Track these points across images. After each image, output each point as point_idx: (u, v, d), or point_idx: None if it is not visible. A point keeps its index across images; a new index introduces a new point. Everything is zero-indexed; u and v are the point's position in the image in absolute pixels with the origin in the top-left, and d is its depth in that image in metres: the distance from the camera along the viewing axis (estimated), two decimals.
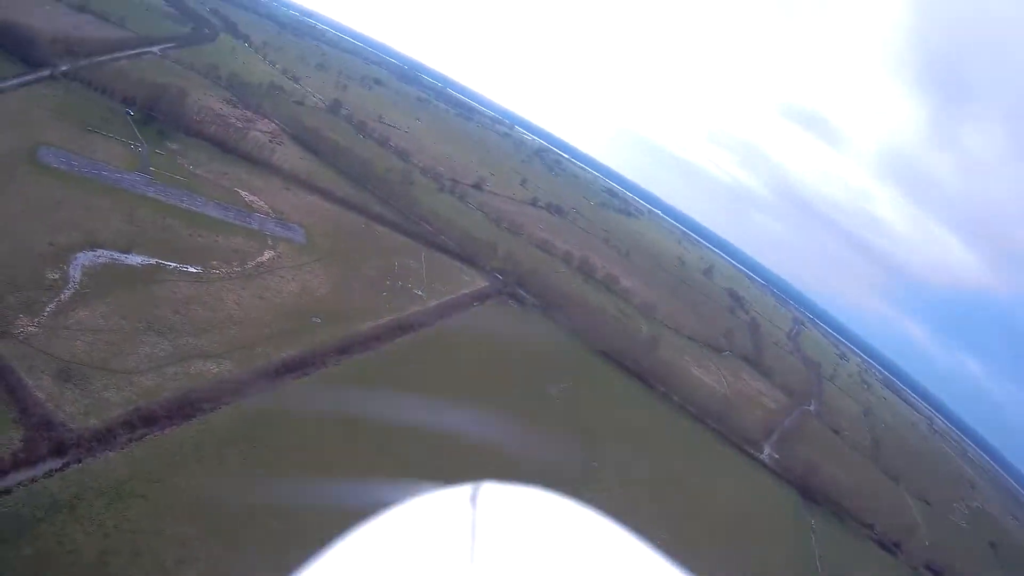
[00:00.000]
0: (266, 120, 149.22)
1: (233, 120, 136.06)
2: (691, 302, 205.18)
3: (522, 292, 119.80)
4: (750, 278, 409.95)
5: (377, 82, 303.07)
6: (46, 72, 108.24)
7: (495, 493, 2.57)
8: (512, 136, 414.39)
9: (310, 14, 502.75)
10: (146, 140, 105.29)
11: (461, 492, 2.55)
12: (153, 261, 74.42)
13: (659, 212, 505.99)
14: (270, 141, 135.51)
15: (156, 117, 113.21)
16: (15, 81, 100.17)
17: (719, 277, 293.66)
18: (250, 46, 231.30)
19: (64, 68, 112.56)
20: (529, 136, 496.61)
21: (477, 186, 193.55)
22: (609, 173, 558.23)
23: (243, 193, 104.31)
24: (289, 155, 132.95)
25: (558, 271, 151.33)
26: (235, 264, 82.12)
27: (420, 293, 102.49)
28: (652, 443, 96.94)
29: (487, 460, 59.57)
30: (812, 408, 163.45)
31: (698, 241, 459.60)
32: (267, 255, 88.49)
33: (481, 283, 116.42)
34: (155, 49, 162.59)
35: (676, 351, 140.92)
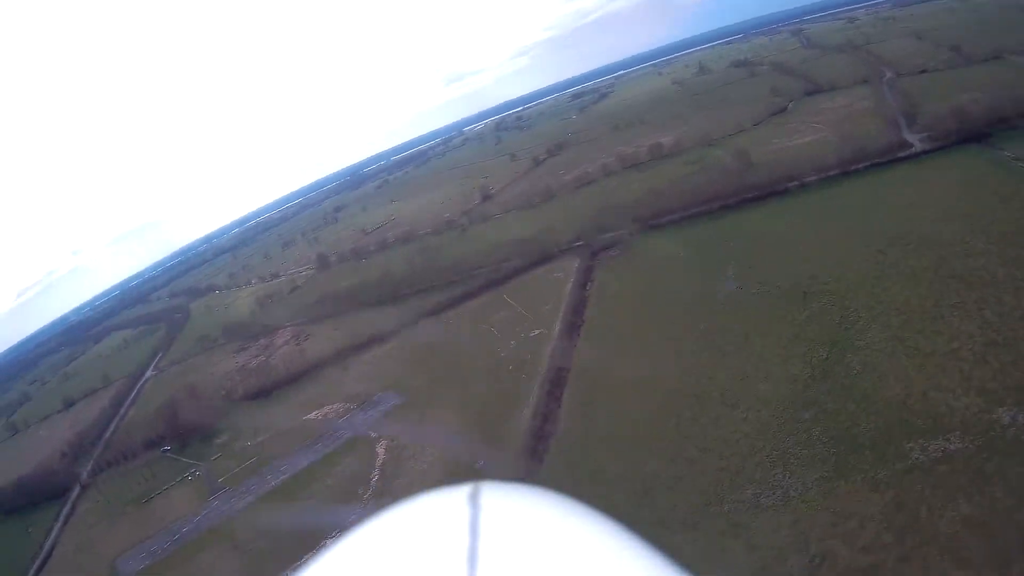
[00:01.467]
0: (280, 331, 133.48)
1: (254, 361, 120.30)
2: (721, 100, 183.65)
3: (610, 236, 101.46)
4: (729, 43, 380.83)
5: (337, 209, 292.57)
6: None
7: (495, 493, 2.52)
8: (468, 137, 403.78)
9: (247, 219, 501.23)
10: (199, 458, 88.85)
11: (461, 492, 2.50)
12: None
13: (621, 71, 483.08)
14: (298, 343, 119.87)
15: (190, 432, 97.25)
16: None
17: (713, 63, 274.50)
18: (219, 291, 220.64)
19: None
20: (480, 125, 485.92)
21: (486, 197, 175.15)
22: (557, 86, 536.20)
23: (313, 415, 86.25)
24: (321, 338, 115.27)
25: (612, 188, 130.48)
26: (362, 492, 62.60)
27: (537, 332, 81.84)
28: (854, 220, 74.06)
29: None
30: (889, 74, 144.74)
31: (669, 59, 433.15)
32: (380, 451, 68.94)
33: (571, 265, 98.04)
34: (149, 372, 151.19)
35: (761, 144, 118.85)
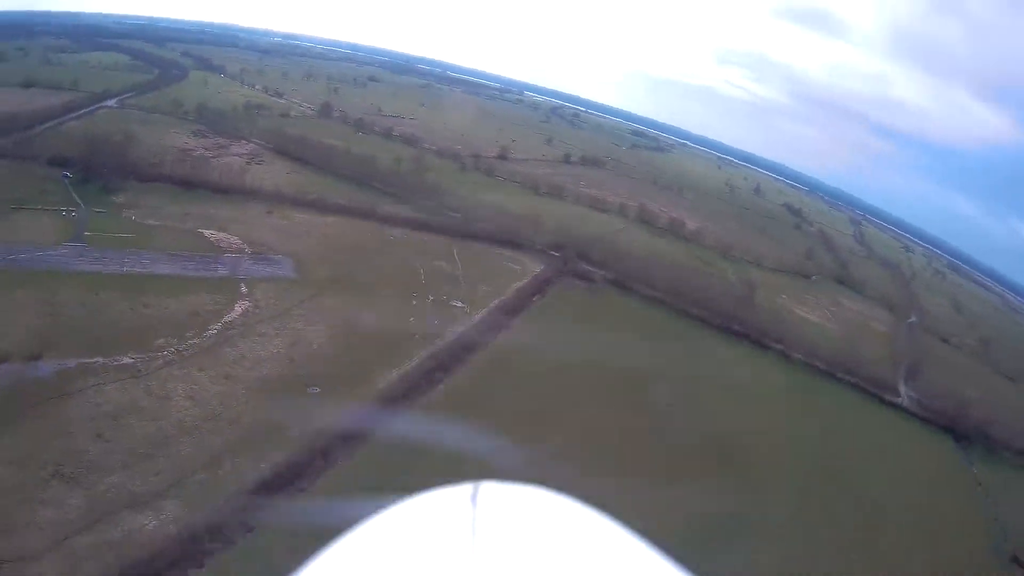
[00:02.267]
0: (243, 141, 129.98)
1: (201, 151, 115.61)
2: (759, 228, 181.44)
3: (586, 267, 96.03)
4: (794, 187, 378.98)
5: (372, 79, 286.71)
6: None
7: (495, 493, 2.52)
8: (524, 101, 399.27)
9: (295, 37, 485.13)
10: (86, 201, 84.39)
11: (461, 492, 2.51)
12: (72, 363, 51.53)
13: (688, 143, 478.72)
14: (248, 163, 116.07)
15: (99, 173, 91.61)
16: None
17: (770, 193, 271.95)
18: (224, 76, 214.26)
19: None
20: (540, 98, 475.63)
21: (502, 156, 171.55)
22: (629, 116, 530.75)
23: (208, 233, 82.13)
24: (273, 172, 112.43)
25: (618, 229, 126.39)
26: (191, 335, 58.82)
27: (460, 305, 77.49)
28: (798, 429, 70.37)
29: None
30: (915, 320, 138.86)
31: (733, 162, 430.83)
32: (238, 309, 65.19)
33: (534, 267, 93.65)
34: (111, 102, 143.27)
35: (770, 291, 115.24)
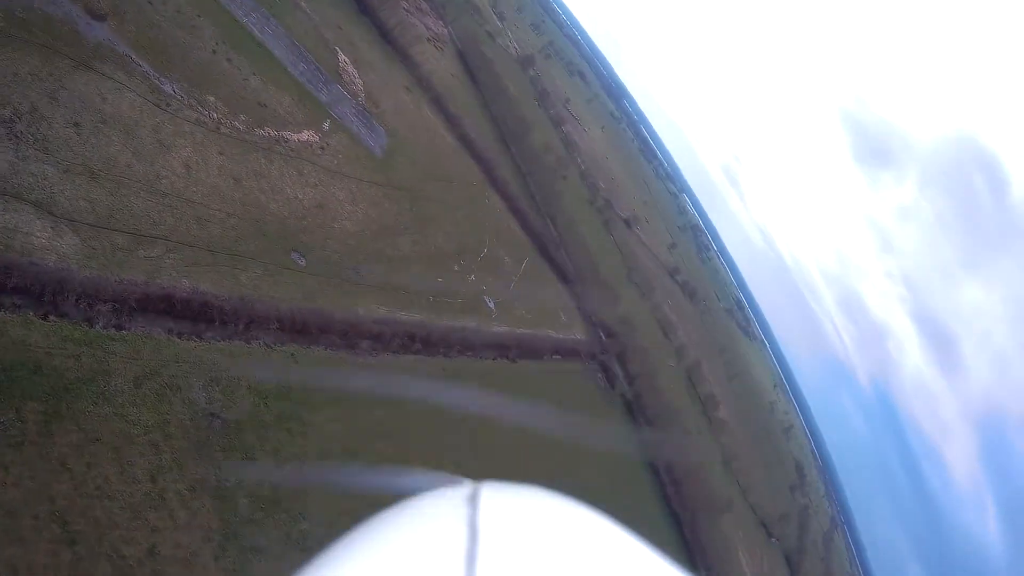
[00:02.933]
0: (440, 21, 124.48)
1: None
2: (765, 462, 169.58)
3: (617, 370, 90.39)
4: (815, 455, 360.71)
5: (581, 75, 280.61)
6: None
7: (495, 493, 2.56)
8: (678, 200, 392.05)
9: None
10: None
11: (461, 492, 2.54)
12: (123, 50, 45.95)
13: (768, 344, 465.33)
14: (429, 40, 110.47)
15: None
16: None
17: (793, 444, 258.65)
18: None
19: None
20: (690, 208, 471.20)
21: (628, 223, 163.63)
22: (740, 282, 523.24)
23: (342, 57, 76.61)
24: (441, 63, 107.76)
25: (665, 364, 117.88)
26: (246, 121, 52.66)
27: (490, 305, 70.30)
28: None
29: None
30: None
31: (789, 394, 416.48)
32: (305, 136, 58.94)
33: (577, 334, 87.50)
34: None
35: (735, 522, 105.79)
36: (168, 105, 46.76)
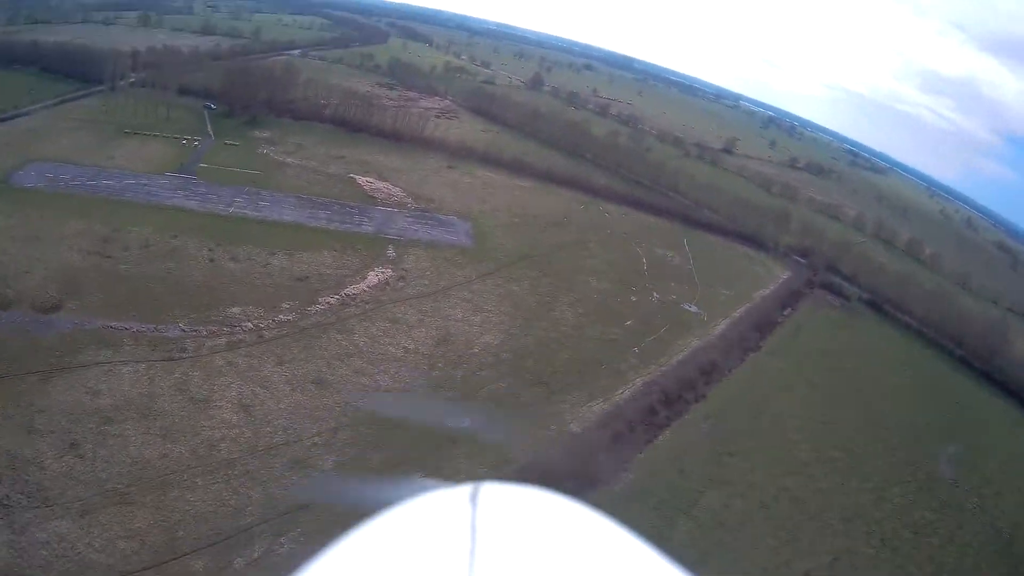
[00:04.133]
0: (436, 98, 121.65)
1: (383, 100, 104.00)
2: (984, 262, 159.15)
3: (838, 280, 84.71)
4: (1001, 228, 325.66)
5: (587, 67, 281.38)
6: (100, 87, 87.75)
7: (495, 493, 2.68)
8: (739, 108, 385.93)
9: (510, 26, 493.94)
10: (221, 133, 76.19)
11: (461, 492, 2.65)
12: (94, 324, 35.53)
13: (896, 169, 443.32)
14: (437, 116, 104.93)
15: (249, 107, 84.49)
16: (51, 101, 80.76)
17: (981, 230, 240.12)
18: (431, 46, 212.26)
19: (131, 79, 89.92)
20: (754, 109, 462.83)
21: (727, 150, 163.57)
22: (838, 137, 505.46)
23: (362, 180, 67.64)
24: (464, 128, 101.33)
25: (858, 242, 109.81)
26: (286, 309, 41.04)
27: (693, 309, 56.22)
28: None
29: None
30: None
31: (940, 194, 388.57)
32: (373, 278, 46.70)
33: (780, 272, 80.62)
34: (294, 52, 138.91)
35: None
36: (183, 350, 35.23)
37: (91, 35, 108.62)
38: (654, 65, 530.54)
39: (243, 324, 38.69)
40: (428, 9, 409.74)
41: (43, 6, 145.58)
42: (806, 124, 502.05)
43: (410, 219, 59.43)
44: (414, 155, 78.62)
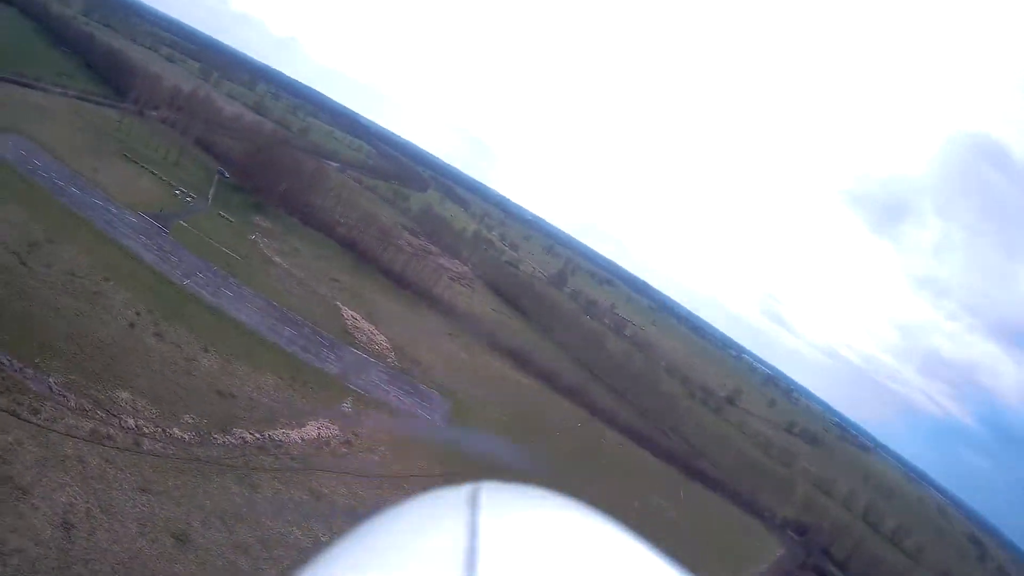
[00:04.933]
0: (457, 261, 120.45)
1: (402, 242, 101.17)
2: (957, 554, 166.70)
3: (833, 570, 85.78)
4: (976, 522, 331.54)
5: (608, 282, 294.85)
6: (126, 105, 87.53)
7: (495, 493, 2.58)
8: (742, 360, 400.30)
9: (547, 224, 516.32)
10: (220, 201, 72.01)
11: (461, 492, 2.52)
12: None
13: (879, 447, 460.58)
14: (453, 279, 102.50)
15: (262, 190, 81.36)
16: (74, 93, 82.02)
17: (955, 521, 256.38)
18: (466, 211, 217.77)
19: (160, 112, 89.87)
20: (755, 363, 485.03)
21: (731, 401, 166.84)
22: (827, 407, 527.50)
23: (348, 313, 60.44)
24: (475, 299, 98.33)
25: (855, 525, 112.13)
26: (194, 425, 32.83)
27: None
28: None
29: None
30: None
31: (917, 479, 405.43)
32: (311, 430, 38.84)
33: (774, 548, 79.91)
34: (333, 163, 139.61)
35: None
36: (35, 412, 26.93)
37: (146, 58, 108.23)
38: (669, 297, 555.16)
39: (124, 418, 30.30)
40: (474, 180, 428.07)
41: (124, 21, 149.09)
42: (802, 389, 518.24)
43: (385, 376, 52.20)
44: (415, 308, 73.83)
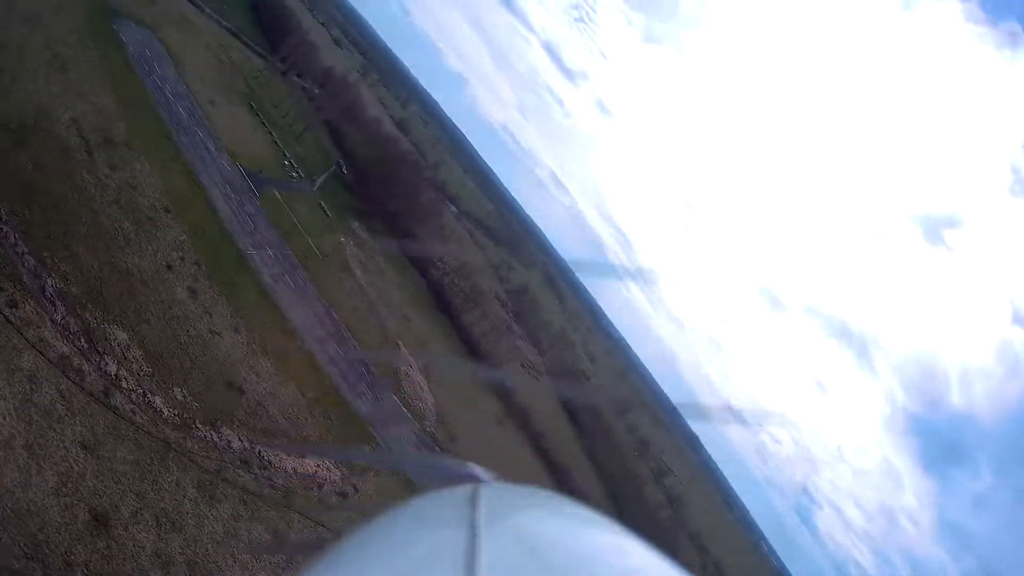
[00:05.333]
0: (535, 348, 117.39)
1: (491, 307, 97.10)
2: None
3: None
4: None
5: (666, 427, 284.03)
6: (274, 59, 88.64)
7: (495, 493, 2.42)
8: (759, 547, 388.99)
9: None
10: (325, 195, 69.39)
11: (461, 492, 2.40)
12: None
13: None
14: (523, 365, 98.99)
15: (373, 202, 78.09)
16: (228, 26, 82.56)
17: None
18: (560, 304, 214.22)
19: (296, 75, 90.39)
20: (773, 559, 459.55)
21: None
22: None
23: (405, 356, 57.02)
24: (538, 395, 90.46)
25: None
26: (169, 395, 28.78)
27: None
28: None
29: None
30: None
31: None
32: (310, 465, 34.89)
33: None
34: (453, 206, 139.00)
35: None
36: (14, 308, 23.06)
37: (314, 29, 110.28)
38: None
39: (107, 359, 25.93)
40: (577, 280, 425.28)
41: None
42: None
43: (415, 438, 46.90)
44: (475, 381, 68.80)
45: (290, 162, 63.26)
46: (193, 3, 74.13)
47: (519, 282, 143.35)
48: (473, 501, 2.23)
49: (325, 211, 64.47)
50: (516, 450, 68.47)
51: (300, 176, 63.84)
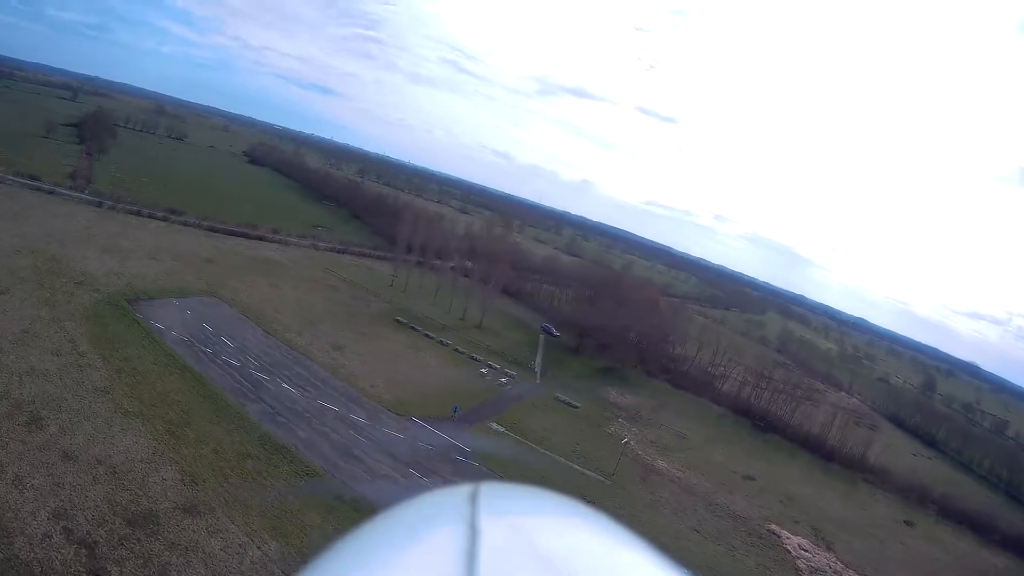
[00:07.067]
0: (842, 393, 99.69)
1: (784, 387, 75.35)
2: None
3: None
4: None
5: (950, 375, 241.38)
6: (402, 254, 77.30)
7: (495, 493, 2.39)
8: None
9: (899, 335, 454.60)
10: (553, 380, 53.41)
11: (461, 492, 2.38)
12: None
13: None
14: (857, 422, 76.95)
15: (609, 349, 64.45)
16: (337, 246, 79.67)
17: None
18: (809, 327, 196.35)
19: (437, 259, 78.77)
20: None
21: None
22: None
23: (790, 541, 37.24)
24: (891, 447, 71.46)
25: None
26: None
27: None
28: None
29: None
30: None
31: None
32: None
33: None
34: (675, 297, 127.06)
35: None
36: None
37: (436, 209, 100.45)
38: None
39: None
40: (801, 296, 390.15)
41: (405, 180, 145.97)
42: None
43: None
44: (846, 488, 49.60)
45: (489, 366, 46.91)
46: (276, 240, 65.13)
47: (773, 333, 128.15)
48: (473, 499, 2.18)
49: (570, 404, 47.62)
50: (946, 543, 45.32)
51: (511, 376, 47.03)
